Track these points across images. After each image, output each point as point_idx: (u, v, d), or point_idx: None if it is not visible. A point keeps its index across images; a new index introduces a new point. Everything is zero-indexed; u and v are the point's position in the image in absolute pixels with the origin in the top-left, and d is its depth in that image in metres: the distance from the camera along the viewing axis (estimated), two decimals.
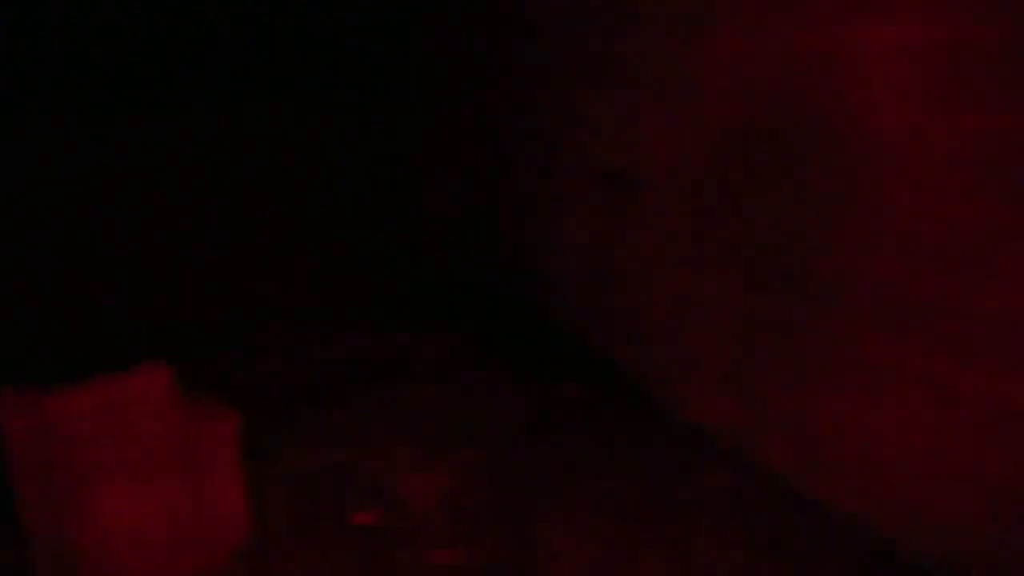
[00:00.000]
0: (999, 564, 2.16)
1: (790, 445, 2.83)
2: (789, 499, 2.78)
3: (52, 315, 4.46)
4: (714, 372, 3.19)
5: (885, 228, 2.36)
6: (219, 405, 2.38)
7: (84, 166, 4.43)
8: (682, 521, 2.66)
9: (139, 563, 2.24)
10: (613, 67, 3.62)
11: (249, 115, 4.87)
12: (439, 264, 5.62)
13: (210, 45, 4.58)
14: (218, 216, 4.87)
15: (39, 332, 4.44)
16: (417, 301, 5.04)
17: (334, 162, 5.20)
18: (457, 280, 5.45)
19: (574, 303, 4.27)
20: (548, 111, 4.25)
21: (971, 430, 2.19)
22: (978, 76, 2.05)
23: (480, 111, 5.05)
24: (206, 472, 2.31)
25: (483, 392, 3.66)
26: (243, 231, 4.96)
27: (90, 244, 4.52)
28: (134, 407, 2.15)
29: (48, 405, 2.03)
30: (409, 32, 5.27)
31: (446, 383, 3.76)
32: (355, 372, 3.90)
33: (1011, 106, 1.98)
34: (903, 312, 2.34)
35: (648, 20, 3.32)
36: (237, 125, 4.84)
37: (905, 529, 2.43)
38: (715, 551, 2.50)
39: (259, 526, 2.65)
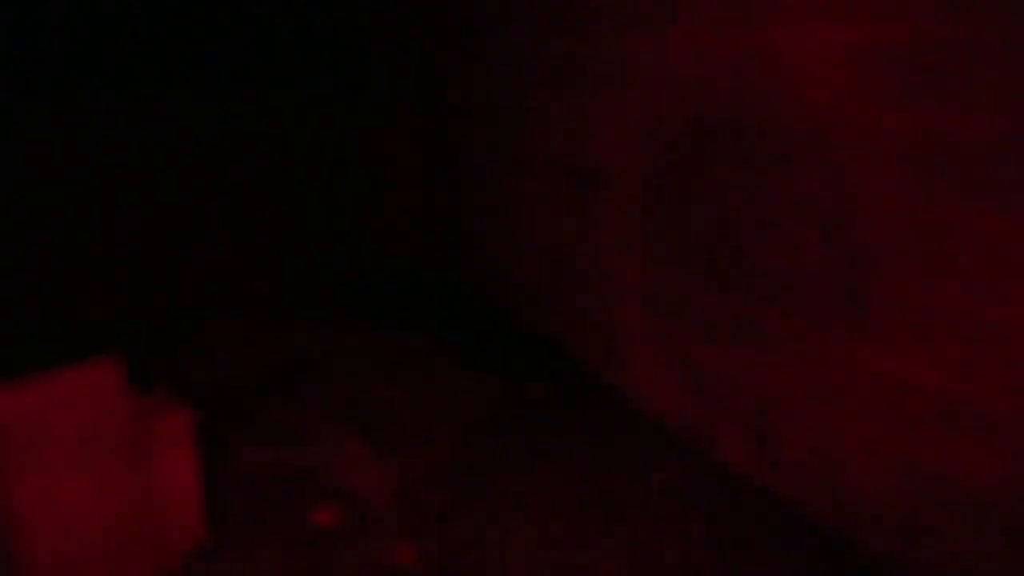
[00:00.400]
0: (944, 555, 2.19)
1: (750, 442, 2.85)
2: (748, 495, 2.80)
3: (18, 309, 4.36)
4: (676, 370, 3.19)
5: (833, 225, 2.38)
6: (172, 400, 2.32)
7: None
8: (640, 517, 2.65)
9: (91, 563, 2.17)
10: (573, 66, 3.62)
11: (214, 110, 4.79)
12: (404, 261, 5.58)
13: (175, 35, 4.50)
14: (185, 207, 4.79)
15: (23, 328, 4.35)
16: (381, 297, 4.99)
17: (301, 159, 5.13)
18: (422, 277, 5.41)
19: (539, 300, 4.25)
20: (510, 108, 4.24)
21: (914, 422, 2.23)
22: (925, 77, 2.10)
23: (442, 108, 5.02)
24: (159, 469, 2.25)
25: (445, 389, 3.62)
26: (208, 224, 4.89)
27: (55, 233, 4.43)
28: (83, 403, 2.08)
29: None
30: (378, 28, 5.22)
31: (407, 380, 3.72)
32: (314, 367, 3.85)
33: (957, 106, 2.03)
34: (852, 308, 2.37)
35: (606, 19, 3.33)
36: (206, 119, 4.77)
37: (861, 523, 2.47)
38: (671, 547, 2.50)
39: (215, 524, 2.59)
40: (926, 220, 2.13)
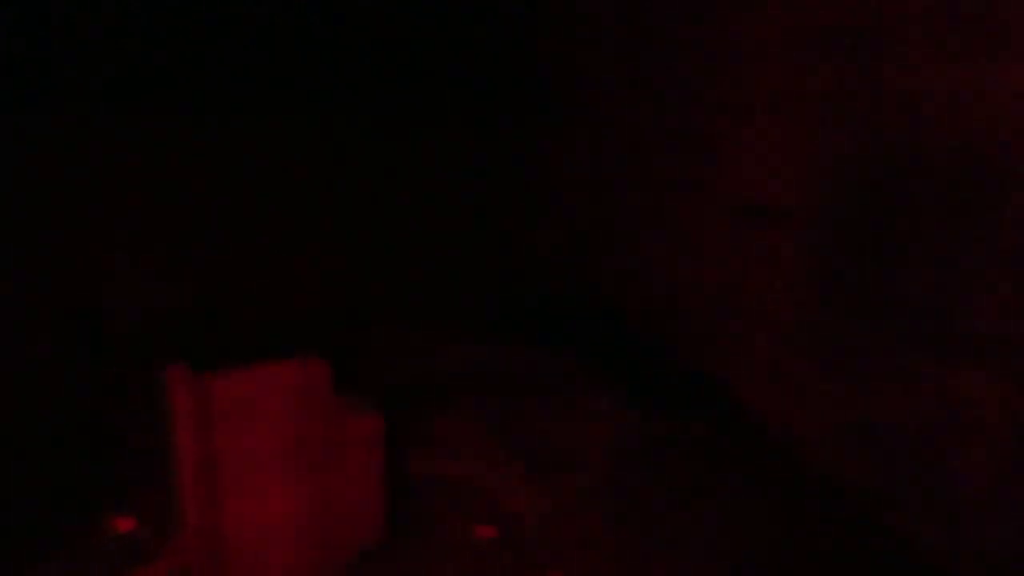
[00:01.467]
0: None
1: (927, 509, 2.69)
2: (917, 558, 2.63)
3: (197, 303, 4.70)
4: (849, 425, 3.07)
5: None
6: (366, 405, 2.44)
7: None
8: (798, 572, 2.55)
9: (277, 546, 2.30)
10: (756, 99, 3.55)
11: (369, 122, 5.04)
12: (562, 284, 5.63)
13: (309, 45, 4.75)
14: (339, 220, 5.04)
15: (202, 318, 4.69)
16: (538, 319, 5.06)
17: (453, 174, 5.30)
18: (576, 300, 5.44)
19: (699, 334, 4.19)
20: (676, 139, 4.22)
21: None
22: None
23: (605, 135, 5.05)
24: (349, 468, 2.36)
25: (603, 417, 3.63)
26: (363, 236, 5.12)
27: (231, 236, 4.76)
28: (291, 396, 2.22)
29: (213, 386, 2.13)
30: (543, 45, 5.32)
31: (561, 403, 3.75)
32: (473, 383, 3.94)
33: None
34: None
35: (792, 47, 3.25)
36: (353, 132, 5.03)
37: None
38: None
39: (387, 528, 2.70)
40: None
